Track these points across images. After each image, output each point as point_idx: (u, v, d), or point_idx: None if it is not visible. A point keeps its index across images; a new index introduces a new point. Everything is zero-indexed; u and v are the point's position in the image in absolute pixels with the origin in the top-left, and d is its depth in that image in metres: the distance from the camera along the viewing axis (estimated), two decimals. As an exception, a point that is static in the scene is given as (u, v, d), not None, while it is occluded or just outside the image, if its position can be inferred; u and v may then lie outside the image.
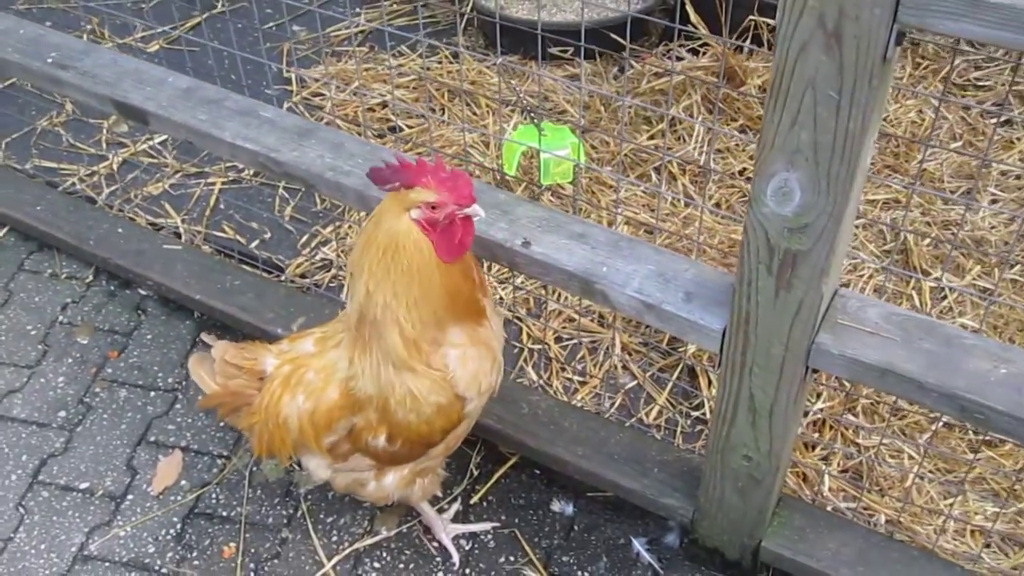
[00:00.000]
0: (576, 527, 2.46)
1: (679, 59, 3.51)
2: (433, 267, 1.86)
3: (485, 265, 2.75)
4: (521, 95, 3.40)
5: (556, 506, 2.50)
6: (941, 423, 2.48)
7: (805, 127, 1.47)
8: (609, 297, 1.97)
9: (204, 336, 2.34)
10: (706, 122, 3.27)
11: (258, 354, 2.15)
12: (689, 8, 3.40)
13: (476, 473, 2.56)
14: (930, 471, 2.43)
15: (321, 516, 2.49)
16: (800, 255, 1.64)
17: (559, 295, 2.88)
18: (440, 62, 3.74)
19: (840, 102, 1.42)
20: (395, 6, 4.03)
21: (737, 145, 3.29)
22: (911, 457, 2.46)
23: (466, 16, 3.96)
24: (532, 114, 3.32)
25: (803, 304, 1.71)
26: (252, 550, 2.43)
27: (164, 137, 3.47)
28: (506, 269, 2.84)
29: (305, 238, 3.12)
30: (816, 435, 2.53)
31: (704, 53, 3.54)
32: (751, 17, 3.39)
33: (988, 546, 2.29)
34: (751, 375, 1.88)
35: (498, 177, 3.21)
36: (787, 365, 1.82)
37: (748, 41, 3.46)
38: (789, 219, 1.59)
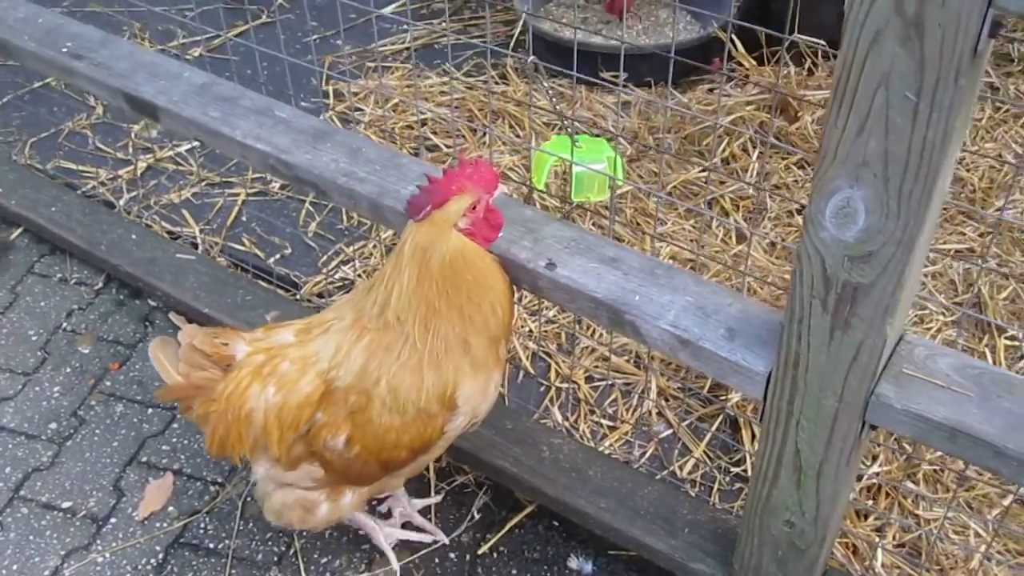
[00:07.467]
0: (594, 588, 2.21)
1: (726, 96, 3.28)
2: (496, 273, 1.81)
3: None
4: (570, 118, 3.20)
5: (574, 563, 2.25)
6: (1013, 498, 2.19)
7: (875, 135, 1.24)
8: (640, 330, 1.74)
9: (172, 316, 2.10)
10: (759, 148, 3.05)
11: (230, 339, 1.94)
12: (736, 40, 3.22)
13: (478, 516, 2.32)
14: (999, 552, 2.14)
15: (315, 556, 2.27)
16: (861, 289, 1.40)
17: (592, 330, 2.65)
18: (486, 82, 3.56)
19: (919, 105, 1.19)
20: (445, 25, 3.87)
21: (795, 181, 3.06)
22: (978, 535, 2.18)
23: (515, 36, 3.79)
24: (569, 129, 3.11)
25: (862, 348, 1.47)
26: (237, 588, 2.22)
27: (191, 144, 3.32)
28: (537, 300, 2.64)
29: (327, 256, 2.93)
30: (870, 502, 2.25)
31: (752, 84, 3.32)
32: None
33: (1064, 643, 2.00)
34: (798, 428, 1.63)
35: (525, 191, 3.00)
36: (840, 419, 1.57)
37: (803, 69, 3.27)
38: (851, 245, 1.36)
